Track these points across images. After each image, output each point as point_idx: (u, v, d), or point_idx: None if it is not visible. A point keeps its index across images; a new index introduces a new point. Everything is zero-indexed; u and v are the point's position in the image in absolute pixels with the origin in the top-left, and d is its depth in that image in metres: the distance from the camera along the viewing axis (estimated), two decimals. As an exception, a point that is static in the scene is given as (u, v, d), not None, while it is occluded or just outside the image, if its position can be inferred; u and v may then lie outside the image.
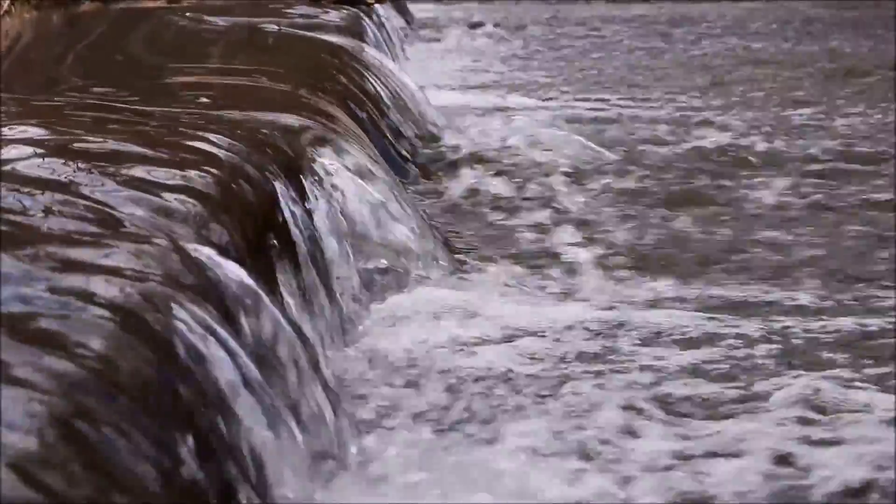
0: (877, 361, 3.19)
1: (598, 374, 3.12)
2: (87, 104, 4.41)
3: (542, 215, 4.79)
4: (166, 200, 2.79)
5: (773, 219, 4.78)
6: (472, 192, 5.16)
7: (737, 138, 6.30)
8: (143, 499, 1.75)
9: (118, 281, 2.16)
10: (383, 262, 3.77)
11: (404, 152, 5.62)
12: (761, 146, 6.11)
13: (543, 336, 3.39)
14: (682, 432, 2.75)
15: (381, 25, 9.57)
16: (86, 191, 2.75)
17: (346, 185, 3.80)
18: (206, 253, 2.50)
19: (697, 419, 2.84)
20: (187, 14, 7.94)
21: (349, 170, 3.88)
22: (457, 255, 4.21)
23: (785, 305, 3.69)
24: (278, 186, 3.31)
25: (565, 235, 4.49)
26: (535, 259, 4.19)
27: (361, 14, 9.17)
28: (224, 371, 2.17)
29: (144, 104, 4.28)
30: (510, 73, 9.40)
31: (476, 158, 5.79)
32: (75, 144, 3.29)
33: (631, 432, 2.73)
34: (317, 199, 3.56)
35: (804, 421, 2.79)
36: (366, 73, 6.17)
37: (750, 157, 5.86)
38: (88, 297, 2.06)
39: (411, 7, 12.94)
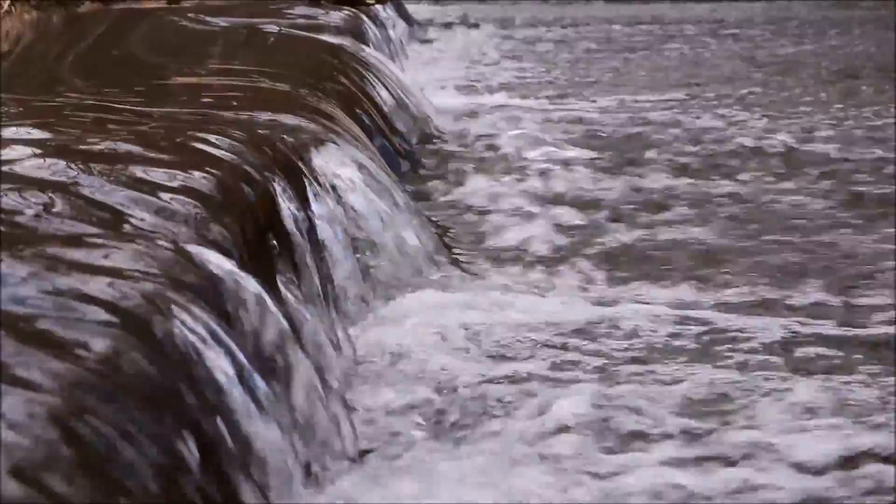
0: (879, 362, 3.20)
1: (598, 371, 3.12)
2: (87, 104, 4.41)
3: (542, 215, 4.79)
4: (166, 201, 2.79)
5: (769, 219, 4.78)
6: (472, 191, 5.16)
7: (736, 139, 6.31)
8: (143, 499, 1.75)
9: (118, 281, 2.16)
10: (383, 262, 3.77)
11: (404, 152, 5.62)
12: (758, 146, 6.11)
13: (544, 335, 3.39)
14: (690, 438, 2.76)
15: (380, 26, 9.57)
16: (86, 191, 2.75)
17: (345, 185, 3.80)
18: (206, 253, 2.50)
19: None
20: (188, 14, 7.94)
21: (349, 170, 3.89)
22: (456, 255, 4.21)
23: (788, 304, 3.69)
24: (278, 186, 3.31)
25: (566, 235, 4.49)
26: (535, 258, 4.19)
27: (361, 15, 9.17)
28: (224, 371, 2.17)
29: (144, 104, 4.29)
30: (510, 73, 9.40)
31: (475, 158, 5.80)
32: (75, 145, 3.29)
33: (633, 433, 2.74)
34: (317, 199, 3.56)
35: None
36: (366, 74, 6.17)
37: (747, 156, 5.87)
38: (89, 298, 2.06)
39: (411, 8, 12.95)
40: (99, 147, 3.27)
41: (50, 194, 2.67)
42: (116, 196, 2.74)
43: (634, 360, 3.22)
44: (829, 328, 3.46)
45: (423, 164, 5.65)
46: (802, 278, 3.94)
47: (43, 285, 2.07)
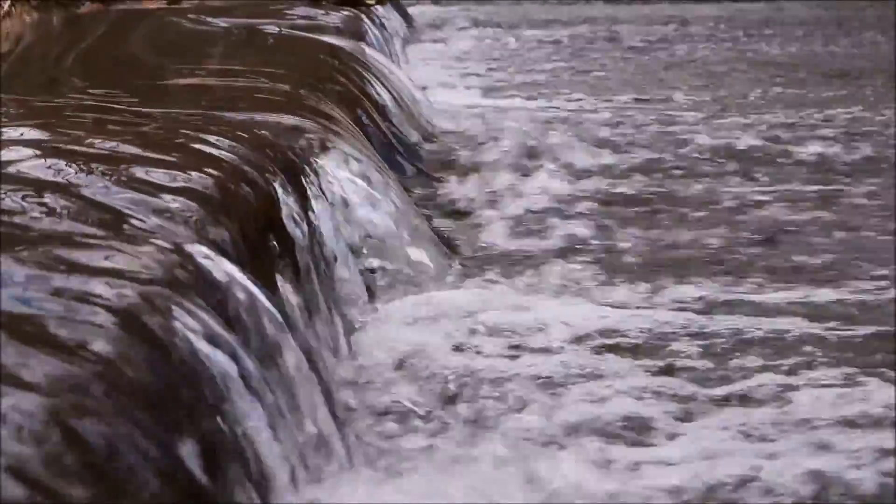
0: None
1: (596, 374, 3.13)
2: (88, 105, 4.41)
3: (541, 215, 4.80)
4: (166, 201, 2.79)
5: (766, 219, 4.78)
6: (472, 191, 5.16)
7: (736, 139, 6.31)
8: (143, 500, 1.75)
9: (119, 282, 2.16)
10: (383, 263, 3.77)
11: (404, 153, 5.62)
12: (757, 146, 6.12)
13: (544, 336, 3.40)
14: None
15: (381, 27, 9.58)
16: (86, 192, 2.75)
17: (346, 186, 3.81)
18: (206, 254, 2.50)
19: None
20: (188, 15, 7.95)
21: (349, 170, 3.89)
22: (456, 256, 4.22)
23: (786, 303, 3.70)
24: (278, 187, 3.31)
25: (565, 235, 4.50)
26: (535, 260, 4.20)
27: (361, 15, 9.18)
28: (224, 372, 2.17)
29: (144, 105, 4.29)
30: (509, 74, 9.40)
31: (475, 158, 5.80)
32: (75, 145, 3.29)
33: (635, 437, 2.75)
34: (317, 199, 3.57)
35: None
36: (366, 75, 6.17)
37: (748, 157, 5.88)
38: (89, 299, 2.07)
39: (411, 9, 12.96)
40: (99, 147, 3.27)
41: (50, 195, 2.67)
42: (117, 197, 2.74)
43: (644, 362, 3.23)
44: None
45: (424, 164, 5.65)
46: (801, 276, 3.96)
47: (43, 286, 2.08)
